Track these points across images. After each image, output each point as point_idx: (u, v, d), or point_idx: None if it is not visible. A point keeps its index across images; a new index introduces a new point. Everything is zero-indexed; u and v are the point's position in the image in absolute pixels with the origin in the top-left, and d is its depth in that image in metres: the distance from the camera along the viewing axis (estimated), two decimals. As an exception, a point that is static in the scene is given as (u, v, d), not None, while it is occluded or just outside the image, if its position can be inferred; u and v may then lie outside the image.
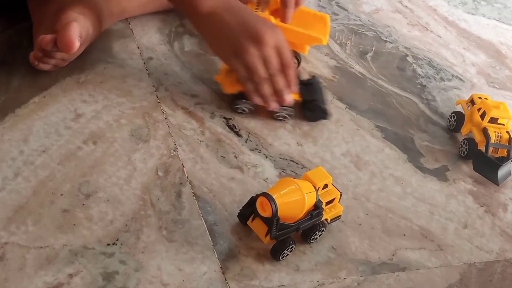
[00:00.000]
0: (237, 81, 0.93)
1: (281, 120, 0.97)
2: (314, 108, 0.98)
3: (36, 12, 0.95)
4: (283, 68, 0.90)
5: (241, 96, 0.94)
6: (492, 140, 0.98)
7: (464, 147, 1.00)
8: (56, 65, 0.91)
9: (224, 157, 0.89)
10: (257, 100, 0.93)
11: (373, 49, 1.18)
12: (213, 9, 0.88)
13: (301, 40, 1.01)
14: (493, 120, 1.00)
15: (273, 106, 0.93)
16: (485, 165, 0.97)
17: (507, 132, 1.00)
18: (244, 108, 0.96)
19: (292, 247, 0.78)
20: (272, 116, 0.96)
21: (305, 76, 1.03)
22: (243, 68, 0.89)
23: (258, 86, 0.90)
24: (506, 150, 0.99)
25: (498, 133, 0.99)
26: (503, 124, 1.00)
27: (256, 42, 0.87)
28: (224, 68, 0.96)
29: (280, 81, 0.91)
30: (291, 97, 0.93)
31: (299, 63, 1.05)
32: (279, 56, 0.89)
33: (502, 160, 0.98)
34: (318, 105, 0.97)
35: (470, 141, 1.00)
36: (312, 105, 0.97)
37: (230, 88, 0.95)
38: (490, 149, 0.98)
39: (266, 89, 0.91)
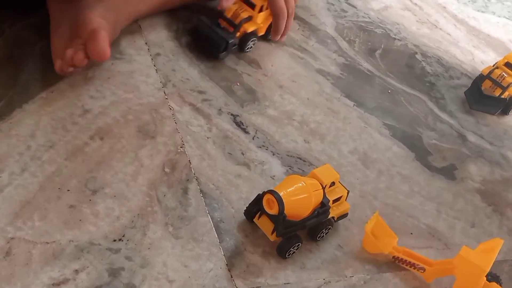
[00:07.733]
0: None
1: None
2: None
3: (55, 9, 0.94)
4: None
5: None
6: (494, 76, 1.06)
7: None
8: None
9: (231, 153, 0.89)
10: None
11: (382, 46, 1.17)
12: None
13: None
14: (510, 66, 1.07)
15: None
16: (474, 94, 1.08)
17: None
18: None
19: (299, 244, 0.78)
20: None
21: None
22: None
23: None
24: (500, 90, 1.06)
25: (503, 73, 1.05)
26: None
27: None
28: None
29: None
30: None
31: None
32: None
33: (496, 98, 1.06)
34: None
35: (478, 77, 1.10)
36: None
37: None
38: (488, 83, 1.06)
39: None
